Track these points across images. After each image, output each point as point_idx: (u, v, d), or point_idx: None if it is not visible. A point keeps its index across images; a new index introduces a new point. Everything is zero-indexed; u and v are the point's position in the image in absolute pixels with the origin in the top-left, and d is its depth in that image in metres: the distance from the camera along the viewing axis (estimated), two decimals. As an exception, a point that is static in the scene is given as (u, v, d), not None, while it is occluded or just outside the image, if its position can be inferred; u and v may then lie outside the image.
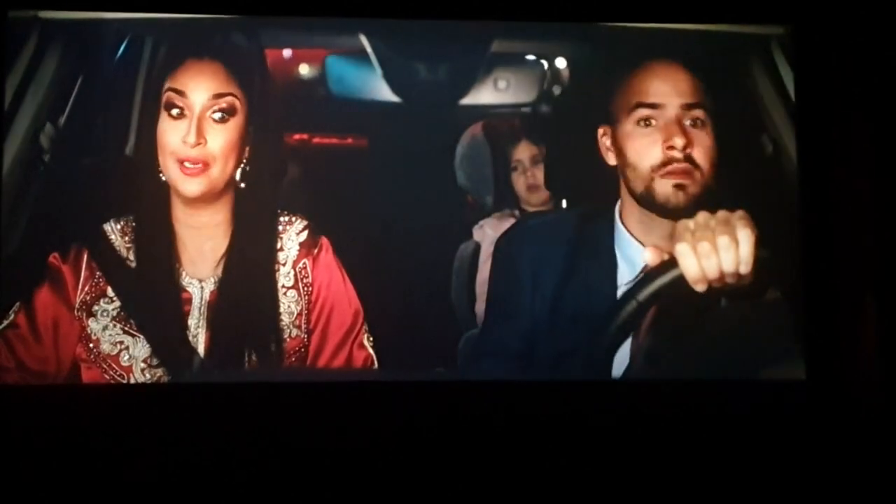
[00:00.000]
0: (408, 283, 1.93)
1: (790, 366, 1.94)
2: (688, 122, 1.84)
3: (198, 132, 1.80)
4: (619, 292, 1.87)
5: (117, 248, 1.86)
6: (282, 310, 1.87)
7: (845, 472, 1.92)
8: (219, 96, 1.82)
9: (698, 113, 1.84)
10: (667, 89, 1.85)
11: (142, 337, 1.84)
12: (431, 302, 1.95)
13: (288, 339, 1.87)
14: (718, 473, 1.91)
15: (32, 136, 1.89)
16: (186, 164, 1.81)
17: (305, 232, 1.91)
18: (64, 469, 1.83)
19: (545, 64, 2.04)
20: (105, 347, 1.83)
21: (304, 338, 1.88)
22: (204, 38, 1.93)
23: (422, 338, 1.92)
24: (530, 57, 2.05)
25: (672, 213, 1.84)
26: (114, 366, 1.83)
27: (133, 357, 1.83)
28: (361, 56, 1.96)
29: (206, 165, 1.81)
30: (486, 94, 1.98)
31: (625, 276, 1.89)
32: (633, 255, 1.89)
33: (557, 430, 1.92)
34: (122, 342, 1.83)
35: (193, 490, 1.85)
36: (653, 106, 1.84)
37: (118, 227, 1.87)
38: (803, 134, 2.01)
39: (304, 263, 1.89)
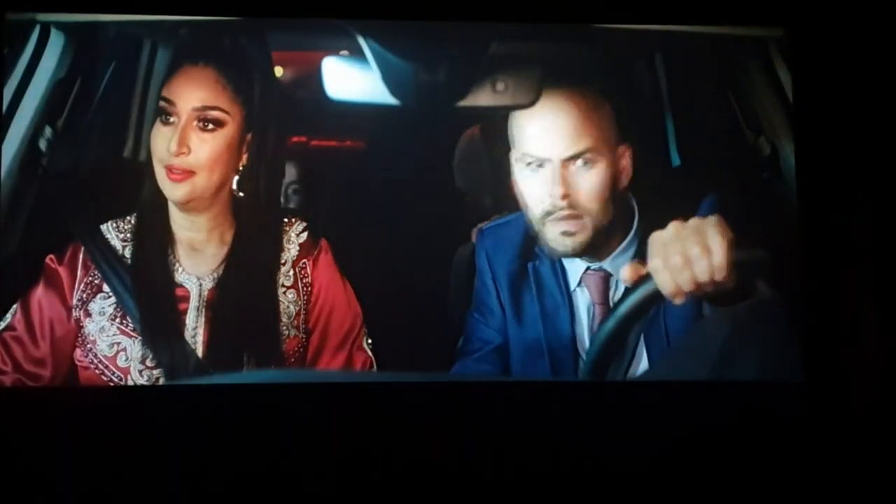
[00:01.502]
0: (406, 285, 1.92)
1: (789, 367, 1.94)
2: (576, 165, 1.84)
3: (180, 142, 1.81)
4: (572, 297, 1.91)
5: (115, 248, 1.85)
6: (281, 310, 1.87)
7: (845, 473, 1.91)
8: (206, 108, 1.82)
9: (587, 156, 1.84)
10: (551, 140, 1.85)
11: (139, 338, 1.83)
12: (430, 304, 1.95)
13: (287, 340, 1.86)
14: (718, 475, 1.91)
15: (30, 139, 1.89)
16: (172, 170, 1.82)
17: (306, 233, 1.91)
18: (61, 471, 1.83)
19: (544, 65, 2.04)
20: (102, 349, 1.83)
21: (302, 338, 1.88)
22: (203, 41, 1.94)
23: (420, 339, 1.91)
24: (529, 59, 2.05)
25: (566, 256, 1.88)
26: (111, 367, 1.82)
27: (130, 358, 1.82)
28: (359, 58, 1.96)
29: (190, 173, 1.82)
30: (484, 96, 1.97)
31: (572, 281, 1.91)
32: (568, 263, 1.92)
33: (557, 430, 1.92)
34: (118, 343, 1.83)
35: (191, 491, 1.84)
36: (538, 160, 1.86)
37: (115, 227, 1.87)
38: (801, 135, 2.01)
39: (304, 264, 1.90)
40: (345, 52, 1.96)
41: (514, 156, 1.90)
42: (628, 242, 1.90)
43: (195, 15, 1.94)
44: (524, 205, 1.91)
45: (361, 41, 1.94)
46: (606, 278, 1.90)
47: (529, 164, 1.87)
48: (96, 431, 1.84)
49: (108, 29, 1.94)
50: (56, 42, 1.91)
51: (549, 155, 1.85)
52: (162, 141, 1.82)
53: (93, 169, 1.92)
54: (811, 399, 1.96)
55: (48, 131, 1.90)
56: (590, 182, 1.85)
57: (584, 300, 1.91)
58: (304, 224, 1.92)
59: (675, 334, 1.89)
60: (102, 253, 1.85)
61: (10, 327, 1.82)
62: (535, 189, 1.88)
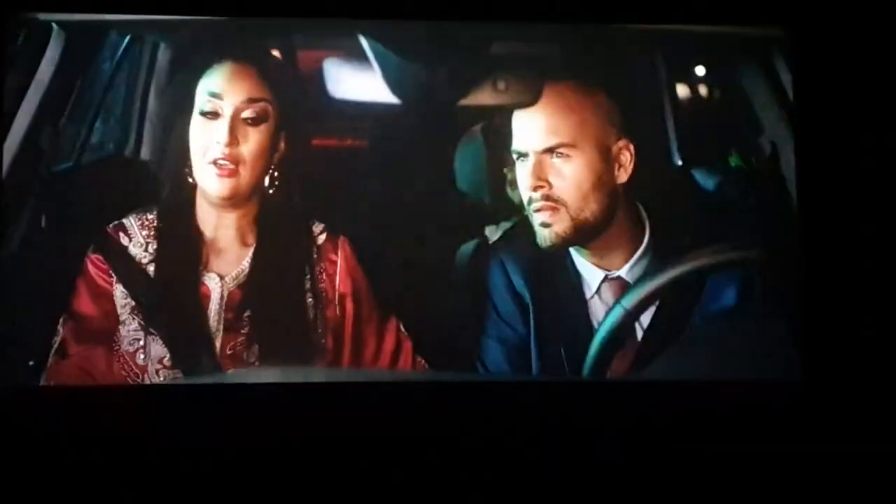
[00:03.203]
0: (407, 284, 1.92)
1: (790, 366, 1.95)
2: (553, 158, 1.87)
3: (231, 132, 1.81)
4: (589, 304, 1.92)
5: (139, 244, 1.85)
6: (304, 310, 1.87)
7: (845, 472, 1.92)
8: (252, 101, 1.83)
9: (562, 150, 1.87)
10: (528, 134, 1.89)
11: (158, 336, 1.83)
12: (431, 302, 1.95)
13: (309, 339, 1.87)
14: (718, 474, 1.91)
15: (32, 138, 1.89)
16: (220, 163, 1.82)
17: (324, 234, 1.91)
18: (71, 470, 1.84)
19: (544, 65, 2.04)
20: (124, 346, 1.83)
21: (325, 337, 1.87)
22: (220, 41, 1.93)
23: (421, 338, 1.92)
24: (530, 58, 2.05)
25: (546, 247, 1.89)
26: (130, 363, 1.82)
27: (149, 357, 1.82)
28: (360, 58, 1.96)
29: (236, 167, 1.82)
30: (485, 96, 1.98)
31: (589, 290, 1.93)
32: (584, 271, 1.93)
33: (558, 429, 1.92)
34: (139, 339, 1.83)
35: (200, 491, 1.85)
36: (519, 154, 1.89)
37: (139, 222, 1.86)
38: (801, 135, 2.01)
39: (325, 266, 1.89)
40: (348, 52, 1.96)
41: (509, 153, 1.93)
42: (643, 251, 1.91)
43: (196, 14, 1.94)
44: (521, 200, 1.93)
45: (363, 41, 1.94)
46: (624, 286, 1.91)
47: (516, 158, 1.90)
48: (101, 430, 1.84)
49: (109, 28, 1.94)
50: (57, 41, 1.91)
51: (527, 148, 1.89)
52: (207, 135, 1.82)
53: (95, 168, 1.93)
54: (810, 398, 1.96)
55: (50, 130, 1.90)
56: (566, 174, 1.87)
57: (601, 309, 1.91)
58: (323, 225, 1.92)
59: (676, 333, 1.90)
60: (122, 254, 1.85)
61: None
62: (521, 181, 1.90)
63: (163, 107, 1.91)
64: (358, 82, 1.95)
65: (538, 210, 1.88)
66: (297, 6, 1.97)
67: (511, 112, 1.93)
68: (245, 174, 1.83)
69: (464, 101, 1.97)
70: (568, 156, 1.87)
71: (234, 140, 1.81)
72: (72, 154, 1.92)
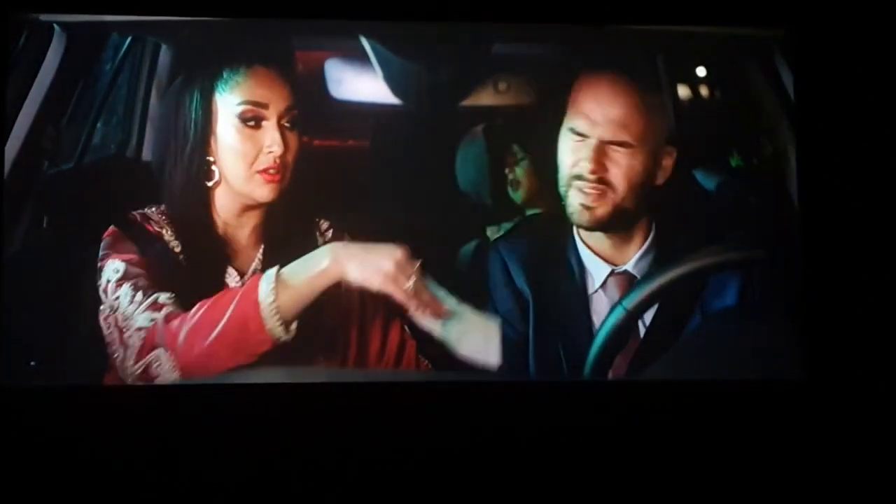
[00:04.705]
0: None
1: (791, 365, 1.95)
2: (613, 148, 1.87)
3: (283, 141, 1.81)
4: (590, 301, 1.92)
5: (169, 233, 1.84)
6: (312, 309, 1.83)
7: (845, 472, 1.92)
8: (291, 108, 1.83)
9: (623, 146, 1.86)
10: (597, 121, 1.87)
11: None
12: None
13: (321, 337, 1.86)
14: (718, 474, 1.92)
15: (34, 138, 1.89)
16: (270, 171, 1.81)
17: (330, 231, 1.91)
18: (72, 470, 1.84)
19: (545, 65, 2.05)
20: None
21: (337, 334, 1.87)
22: (226, 43, 1.91)
23: (425, 338, 1.91)
24: (531, 59, 2.05)
25: (580, 226, 1.91)
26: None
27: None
28: (362, 59, 1.96)
29: (283, 172, 1.82)
30: (486, 96, 1.98)
31: (592, 284, 1.92)
32: (591, 265, 1.93)
33: (558, 429, 1.93)
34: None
35: (201, 491, 1.86)
36: (581, 134, 1.88)
37: (161, 215, 1.84)
38: (803, 135, 2.01)
39: None
40: (349, 53, 1.96)
41: (566, 124, 1.90)
42: (648, 247, 1.92)
43: (197, 16, 1.94)
44: (557, 167, 1.91)
45: (364, 42, 1.94)
46: (631, 280, 1.91)
47: (575, 138, 1.88)
48: (101, 430, 1.85)
49: (110, 29, 1.94)
50: (59, 42, 1.90)
51: (591, 133, 1.87)
52: (255, 144, 1.81)
53: (96, 168, 1.93)
54: (812, 398, 1.96)
55: (51, 131, 1.90)
56: (622, 164, 1.87)
57: (604, 304, 1.91)
58: (328, 223, 1.92)
59: (677, 333, 1.91)
60: (147, 235, 1.83)
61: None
62: (571, 156, 1.89)
63: (165, 109, 1.89)
64: (359, 83, 1.96)
65: (586, 191, 1.87)
66: (298, 7, 1.97)
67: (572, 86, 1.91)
68: (287, 177, 1.83)
69: (465, 102, 1.98)
70: (626, 151, 1.87)
71: (285, 148, 1.81)
72: (73, 154, 1.92)
